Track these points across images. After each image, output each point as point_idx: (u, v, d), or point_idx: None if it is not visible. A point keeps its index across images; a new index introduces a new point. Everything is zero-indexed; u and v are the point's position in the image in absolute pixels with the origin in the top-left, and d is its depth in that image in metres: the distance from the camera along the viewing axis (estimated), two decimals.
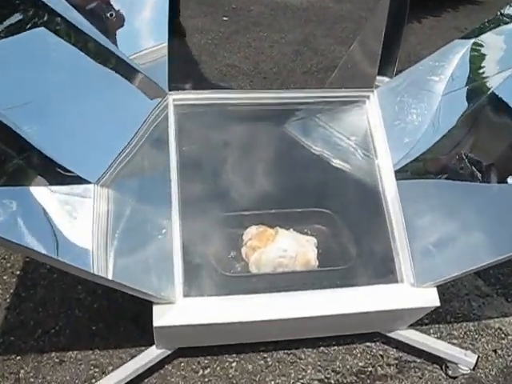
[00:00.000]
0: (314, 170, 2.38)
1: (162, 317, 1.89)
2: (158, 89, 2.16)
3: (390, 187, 2.22)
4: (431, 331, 2.44)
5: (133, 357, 2.19)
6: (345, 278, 2.13)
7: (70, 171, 1.96)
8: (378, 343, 2.36)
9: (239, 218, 2.29)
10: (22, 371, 2.16)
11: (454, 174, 2.19)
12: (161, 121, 2.15)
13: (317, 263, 2.21)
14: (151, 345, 2.12)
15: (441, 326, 2.47)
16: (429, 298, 2.06)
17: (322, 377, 2.23)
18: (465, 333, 2.47)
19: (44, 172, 1.95)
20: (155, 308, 1.90)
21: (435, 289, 2.06)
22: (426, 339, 2.27)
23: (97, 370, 2.18)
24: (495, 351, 2.41)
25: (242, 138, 2.31)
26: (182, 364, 2.24)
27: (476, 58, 2.37)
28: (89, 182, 2.00)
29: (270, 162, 2.32)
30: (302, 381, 2.21)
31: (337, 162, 2.37)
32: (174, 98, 2.19)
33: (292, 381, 2.21)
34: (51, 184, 1.91)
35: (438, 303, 2.04)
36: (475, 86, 2.29)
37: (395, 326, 2.23)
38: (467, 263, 2.01)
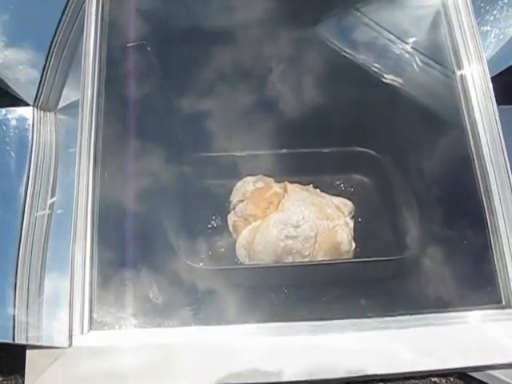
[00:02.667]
0: (353, 88, 1.48)
1: (38, 376, 0.98)
2: None
3: (483, 117, 1.25)
4: None
5: None
6: (401, 277, 1.26)
7: None
8: (450, 379, 1.43)
9: (227, 161, 1.50)
10: None
11: None
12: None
13: (352, 247, 1.35)
14: None
15: None
16: None
17: None
18: None
19: None
20: (29, 356, 1.00)
21: None
22: None
23: None
24: None
25: (234, 35, 1.43)
26: None
27: None
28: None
29: (281, 75, 1.47)
30: None
31: (388, 77, 1.47)
32: None
33: None
34: None
35: None
36: None
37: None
38: None
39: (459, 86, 1.31)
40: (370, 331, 1.06)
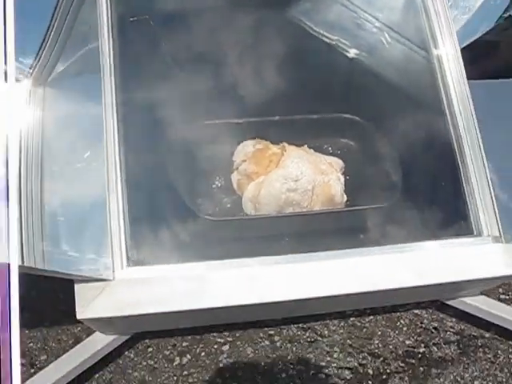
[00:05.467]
0: (338, 61, 1.67)
1: (88, 305, 1.15)
2: None
3: (455, 88, 1.46)
4: (500, 291, 1.72)
5: (76, 339, 1.51)
6: (388, 223, 1.42)
7: None
8: (429, 310, 1.64)
9: (226, 127, 1.61)
10: None
11: None
12: None
13: (344, 199, 1.51)
14: None
15: None
16: None
17: (356, 364, 1.52)
18: None
19: None
20: (78, 289, 1.17)
21: None
22: (504, 309, 1.53)
23: (23, 361, 1.46)
24: None
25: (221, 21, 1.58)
26: (150, 350, 1.52)
27: None
28: None
29: (274, 51, 1.59)
30: (326, 370, 1.50)
31: (369, 52, 1.66)
32: None
33: (312, 371, 1.50)
34: None
35: None
36: None
37: (462, 295, 1.53)
38: None
39: (433, 59, 1.51)
40: (360, 256, 1.28)
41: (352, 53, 1.66)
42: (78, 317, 1.15)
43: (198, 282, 1.20)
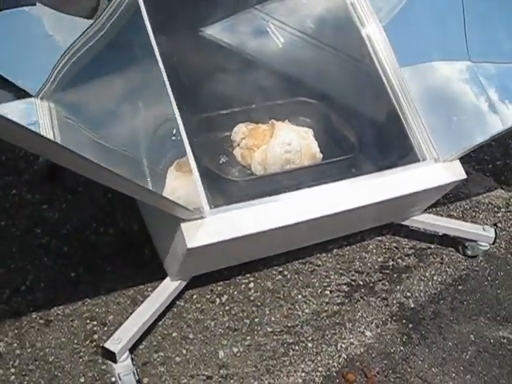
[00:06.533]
0: (291, 58, 2.15)
1: (195, 236, 1.52)
2: None
3: (388, 64, 1.96)
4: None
5: (133, 299, 1.85)
6: (360, 166, 1.89)
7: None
8: (387, 236, 2.17)
9: (218, 118, 2.00)
10: (1, 344, 1.72)
11: None
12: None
13: (321, 156, 1.95)
14: (152, 280, 1.84)
15: (437, 208, 2.31)
16: (456, 171, 1.86)
17: (348, 280, 2.00)
18: (462, 212, 2.34)
19: None
20: (185, 227, 1.53)
21: (458, 161, 1.87)
22: (445, 221, 2.12)
23: (94, 322, 1.79)
24: (496, 225, 2.30)
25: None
26: (195, 297, 1.90)
27: None
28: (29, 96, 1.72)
29: (252, 61, 2.09)
30: (329, 288, 1.97)
31: (318, 47, 2.13)
32: None
33: (319, 290, 1.96)
34: None
35: (465, 175, 1.86)
36: None
37: (413, 212, 2.04)
38: (485, 129, 1.90)
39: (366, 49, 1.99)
40: (350, 185, 1.77)
41: (301, 52, 2.12)
42: (189, 246, 1.51)
43: (254, 216, 1.62)
